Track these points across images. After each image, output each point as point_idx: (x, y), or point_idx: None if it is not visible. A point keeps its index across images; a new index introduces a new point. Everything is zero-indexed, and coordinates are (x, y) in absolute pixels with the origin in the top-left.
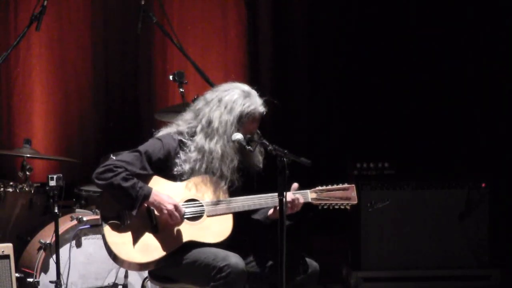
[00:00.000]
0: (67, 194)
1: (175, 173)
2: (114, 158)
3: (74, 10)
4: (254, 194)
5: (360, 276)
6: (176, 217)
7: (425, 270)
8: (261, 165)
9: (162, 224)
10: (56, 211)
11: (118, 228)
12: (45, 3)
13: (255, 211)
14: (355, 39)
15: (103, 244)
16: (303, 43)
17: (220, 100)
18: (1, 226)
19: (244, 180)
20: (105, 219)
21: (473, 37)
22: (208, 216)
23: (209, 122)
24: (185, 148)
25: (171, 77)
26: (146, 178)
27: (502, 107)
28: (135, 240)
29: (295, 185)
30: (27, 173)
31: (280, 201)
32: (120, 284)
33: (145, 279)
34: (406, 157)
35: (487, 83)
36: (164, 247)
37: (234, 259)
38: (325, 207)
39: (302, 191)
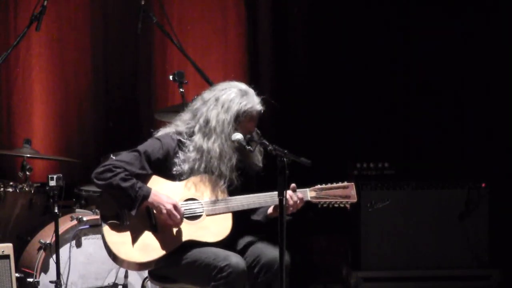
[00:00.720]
0: (67, 194)
1: (174, 173)
2: (113, 158)
3: (74, 10)
4: (253, 194)
5: (360, 276)
6: (175, 216)
7: (425, 270)
8: (260, 164)
9: (161, 224)
10: (56, 211)
11: (118, 228)
12: (45, 3)
13: (254, 211)
14: (355, 39)
15: (103, 244)
16: (303, 43)
17: (217, 99)
18: (1, 226)
19: (243, 179)
20: (104, 219)
21: (473, 37)
22: (207, 215)
23: (207, 122)
24: (184, 148)
25: (171, 77)
26: (145, 178)
27: (502, 107)
28: (135, 239)
29: (293, 185)
30: (27, 173)
31: (280, 201)
32: (120, 284)
33: (145, 279)
34: (406, 157)
35: (487, 83)
36: (163, 247)
37: (235, 259)
38: (325, 205)
39: (301, 189)
